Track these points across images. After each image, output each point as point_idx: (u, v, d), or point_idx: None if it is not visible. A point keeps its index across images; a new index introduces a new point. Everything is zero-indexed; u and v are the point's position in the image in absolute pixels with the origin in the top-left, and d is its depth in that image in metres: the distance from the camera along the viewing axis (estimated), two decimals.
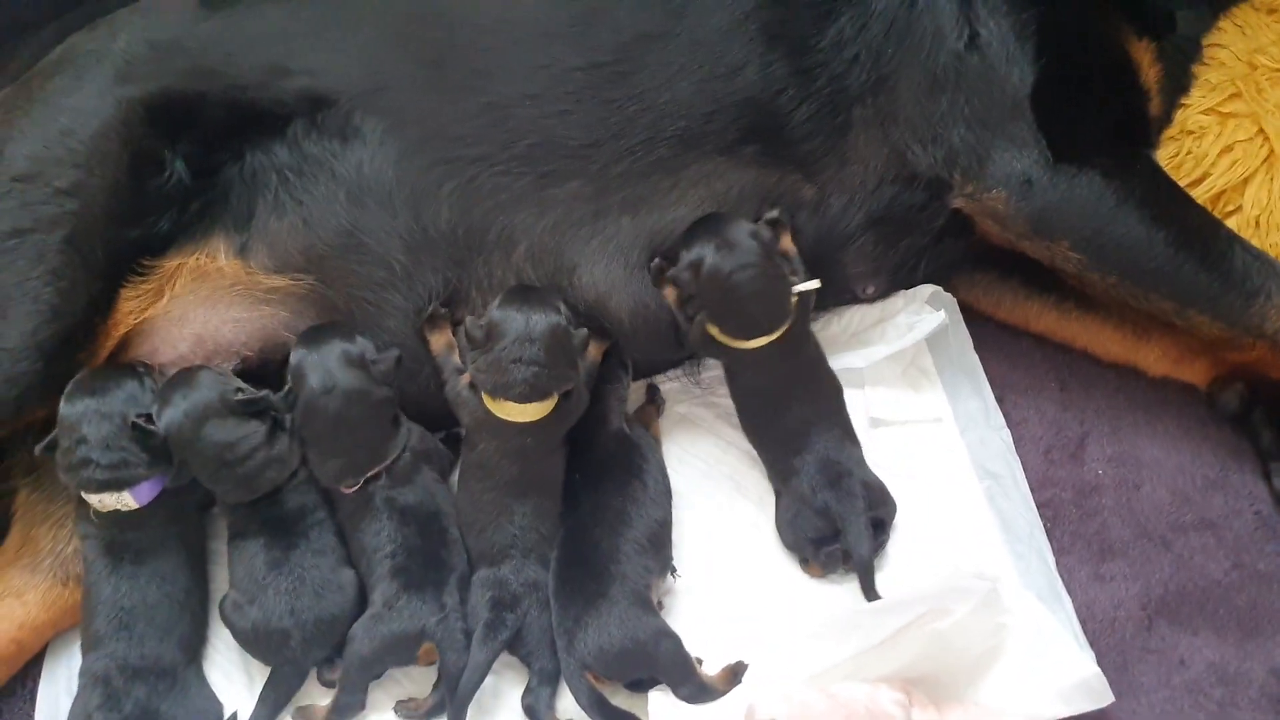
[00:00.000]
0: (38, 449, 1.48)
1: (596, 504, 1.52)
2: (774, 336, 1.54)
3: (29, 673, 1.56)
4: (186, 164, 1.58)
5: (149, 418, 1.48)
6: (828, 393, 1.61)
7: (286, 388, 1.52)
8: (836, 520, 1.50)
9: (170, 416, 1.48)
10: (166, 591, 1.49)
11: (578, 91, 1.59)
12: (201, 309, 1.60)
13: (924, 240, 1.67)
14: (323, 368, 1.50)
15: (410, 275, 1.60)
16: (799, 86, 1.60)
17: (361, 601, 1.49)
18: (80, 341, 1.52)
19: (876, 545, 1.53)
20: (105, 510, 1.47)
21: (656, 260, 1.59)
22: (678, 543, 1.57)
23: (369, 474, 1.50)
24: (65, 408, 1.47)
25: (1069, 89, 1.58)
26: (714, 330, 1.56)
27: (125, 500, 1.47)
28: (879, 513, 1.54)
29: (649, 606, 1.45)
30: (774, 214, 1.60)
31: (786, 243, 1.60)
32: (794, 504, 1.55)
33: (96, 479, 1.45)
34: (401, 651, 1.45)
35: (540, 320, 1.49)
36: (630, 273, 1.61)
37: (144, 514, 1.48)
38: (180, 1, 1.67)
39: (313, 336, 1.54)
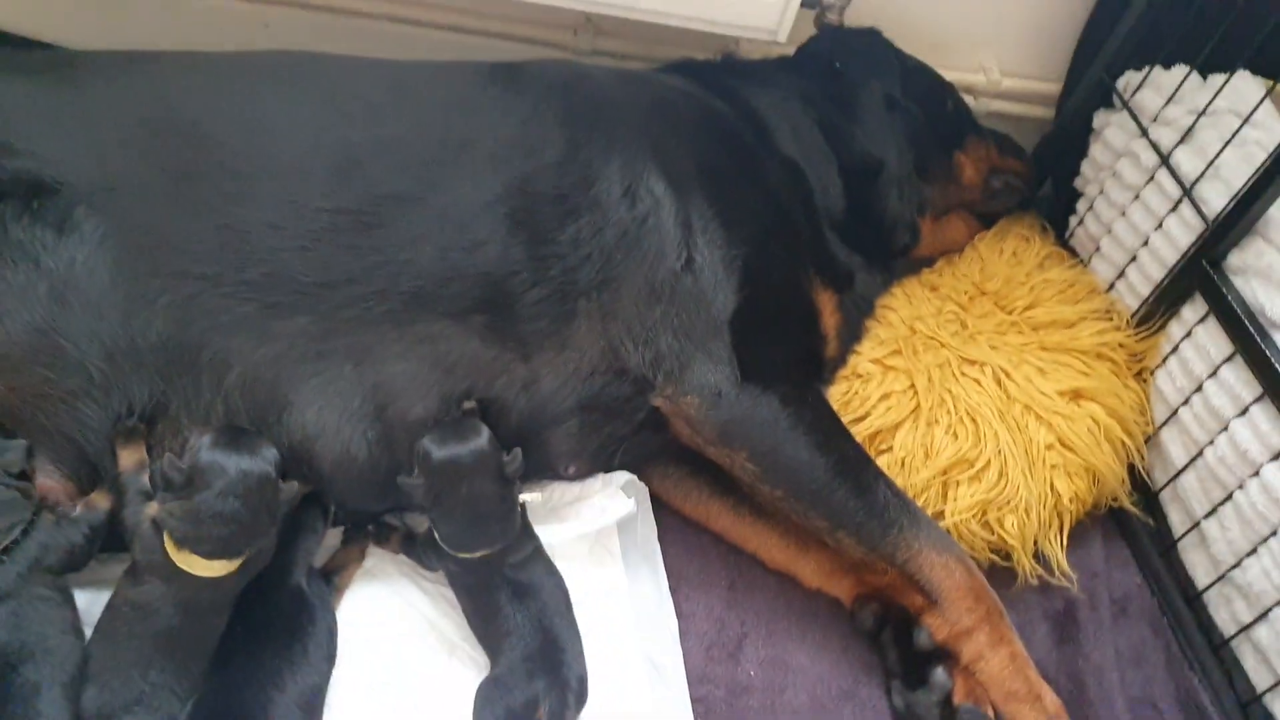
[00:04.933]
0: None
1: (251, 662, 1.44)
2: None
3: None
4: None
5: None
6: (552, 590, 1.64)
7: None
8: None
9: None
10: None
11: (319, 232, 1.59)
12: None
13: (625, 430, 1.77)
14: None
15: (109, 384, 1.51)
16: (533, 271, 1.67)
17: None
18: None
19: None
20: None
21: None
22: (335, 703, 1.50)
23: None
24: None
25: (762, 321, 1.77)
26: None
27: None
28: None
29: None
30: (470, 404, 1.64)
31: None
32: (499, 685, 1.52)
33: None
34: None
35: (252, 473, 1.44)
36: (344, 420, 1.59)
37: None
38: None
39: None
